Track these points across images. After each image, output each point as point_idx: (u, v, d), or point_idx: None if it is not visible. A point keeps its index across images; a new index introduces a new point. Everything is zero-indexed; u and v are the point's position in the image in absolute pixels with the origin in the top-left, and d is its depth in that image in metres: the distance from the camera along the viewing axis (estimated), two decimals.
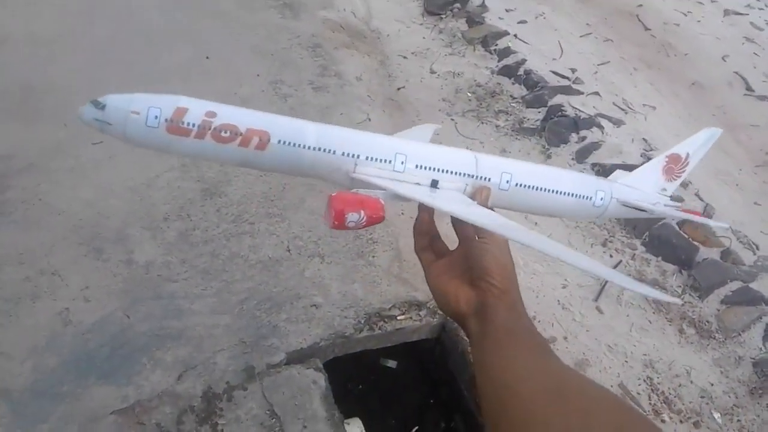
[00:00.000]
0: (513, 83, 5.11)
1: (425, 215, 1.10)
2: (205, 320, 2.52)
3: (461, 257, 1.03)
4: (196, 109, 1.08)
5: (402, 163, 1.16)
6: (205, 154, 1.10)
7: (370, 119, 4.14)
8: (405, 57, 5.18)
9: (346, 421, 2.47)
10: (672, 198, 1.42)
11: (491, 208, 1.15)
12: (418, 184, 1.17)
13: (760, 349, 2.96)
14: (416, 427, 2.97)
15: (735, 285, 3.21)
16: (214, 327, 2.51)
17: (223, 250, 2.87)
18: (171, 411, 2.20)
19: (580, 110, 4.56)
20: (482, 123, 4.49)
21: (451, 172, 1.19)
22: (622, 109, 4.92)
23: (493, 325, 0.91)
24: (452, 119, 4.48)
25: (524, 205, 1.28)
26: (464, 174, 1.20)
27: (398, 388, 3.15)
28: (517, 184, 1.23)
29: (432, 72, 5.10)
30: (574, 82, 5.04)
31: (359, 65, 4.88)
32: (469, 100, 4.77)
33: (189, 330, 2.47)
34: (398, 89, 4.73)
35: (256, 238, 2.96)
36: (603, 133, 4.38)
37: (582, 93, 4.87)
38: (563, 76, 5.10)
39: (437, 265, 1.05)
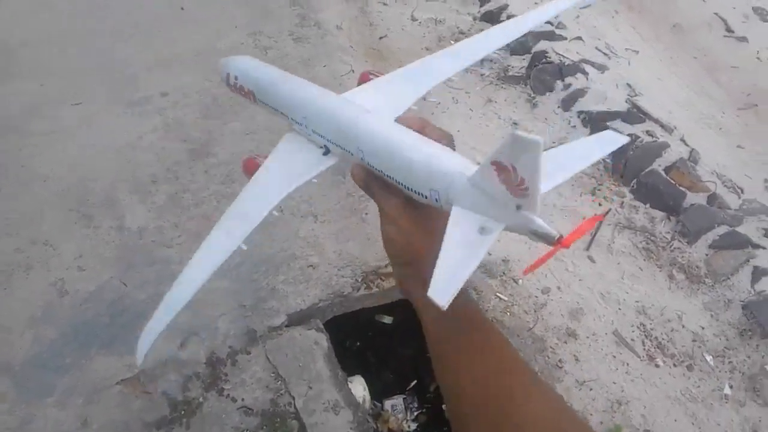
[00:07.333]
0: None
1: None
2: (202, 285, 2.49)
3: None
4: None
5: None
6: None
7: (353, 71, 4.05)
8: (385, 3, 5.04)
9: (348, 379, 2.49)
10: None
11: None
12: None
13: (749, 291, 3.03)
14: (414, 381, 3.02)
15: (722, 229, 3.26)
16: (213, 291, 2.49)
17: (214, 212, 2.82)
18: (176, 378, 2.19)
19: (564, 56, 4.51)
20: (467, 72, 4.42)
21: None
22: (606, 54, 4.88)
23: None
24: None
25: None
26: None
27: (394, 344, 3.18)
28: None
29: (413, 19, 4.98)
30: (557, 27, 4.97)
31: (339, 13, 4.75)
32: None
33: None
34: (380, 38, 4.62)
35: None
36: (588, 79, 4.34)
37: (565, 38, 4.80)
38: (546, 21, 5.03)
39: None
